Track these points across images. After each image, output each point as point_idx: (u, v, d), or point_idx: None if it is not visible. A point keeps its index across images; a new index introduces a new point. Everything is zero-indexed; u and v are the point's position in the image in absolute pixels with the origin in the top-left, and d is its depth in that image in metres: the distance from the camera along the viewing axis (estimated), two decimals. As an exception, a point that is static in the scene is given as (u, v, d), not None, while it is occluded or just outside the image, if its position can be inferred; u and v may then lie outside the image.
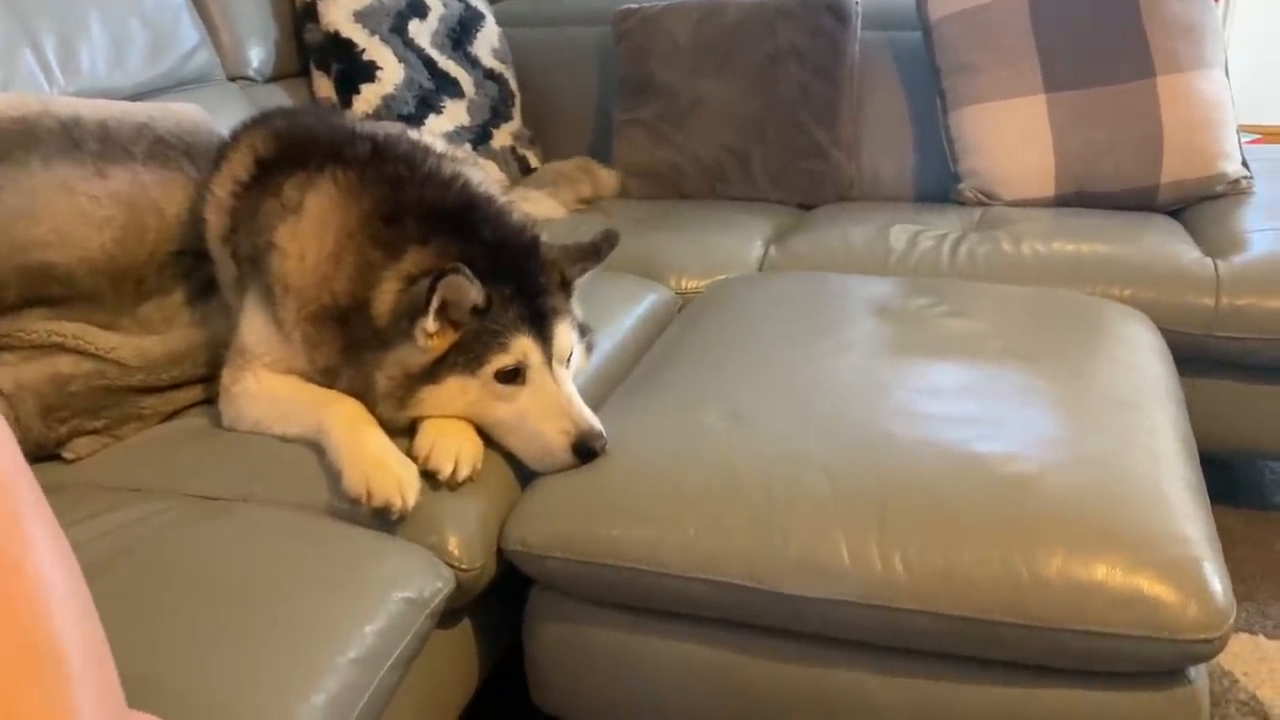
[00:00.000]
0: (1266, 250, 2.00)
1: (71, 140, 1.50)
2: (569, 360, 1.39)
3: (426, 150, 1.52)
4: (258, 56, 2.41)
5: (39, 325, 1.43)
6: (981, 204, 2.40)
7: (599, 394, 1.56)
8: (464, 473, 1.30)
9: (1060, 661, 1.17)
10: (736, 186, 2.60)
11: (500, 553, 1.31)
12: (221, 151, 1.61)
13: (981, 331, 1.66)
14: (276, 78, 2.47)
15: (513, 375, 1.32)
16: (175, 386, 1.55)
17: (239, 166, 1.54)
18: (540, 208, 2.39)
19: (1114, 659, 1.14)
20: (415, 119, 2.44)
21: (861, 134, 2.60)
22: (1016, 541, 1.16)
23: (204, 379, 1.57)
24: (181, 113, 1.71)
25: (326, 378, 1.40)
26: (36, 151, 1.46)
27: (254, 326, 1.46)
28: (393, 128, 1.66)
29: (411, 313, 1.28)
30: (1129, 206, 2.31)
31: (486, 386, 1.32)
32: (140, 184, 1.56)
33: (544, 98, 2.85)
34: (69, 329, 1.45)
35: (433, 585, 1.20)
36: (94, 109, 1.57)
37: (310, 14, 2.46)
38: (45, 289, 1.45)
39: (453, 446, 1.30)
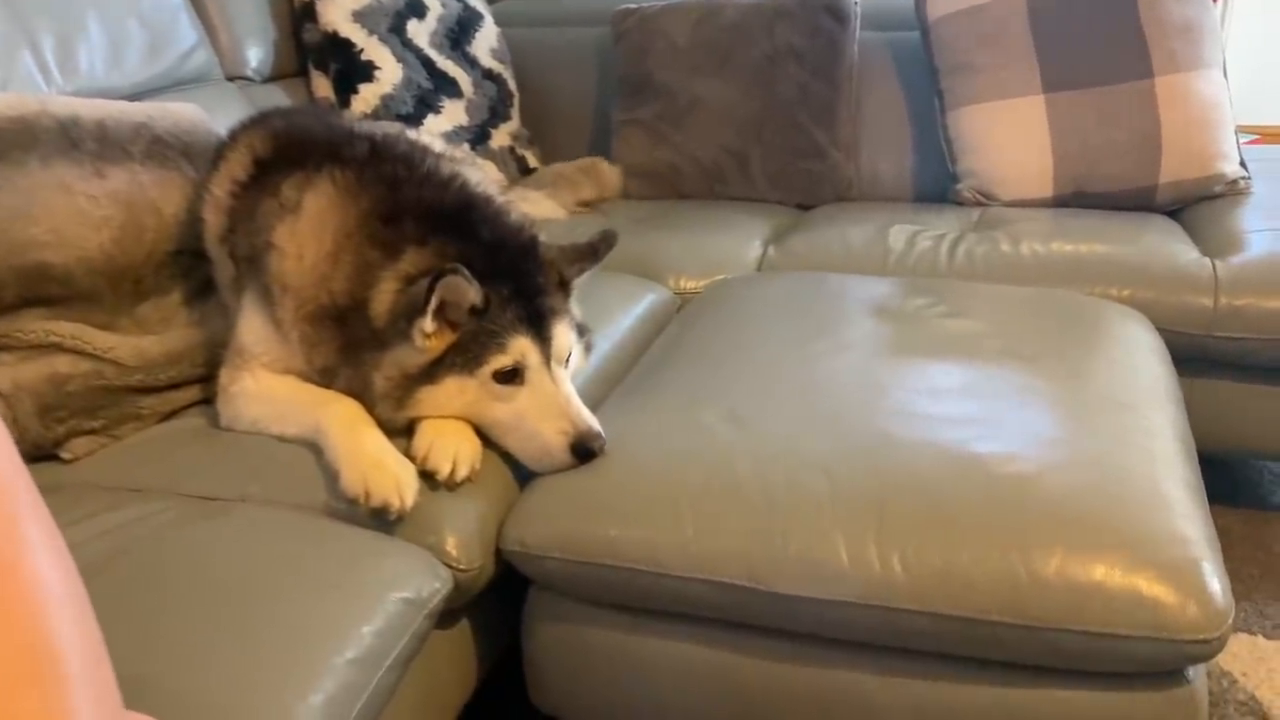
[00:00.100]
0: (1265, 250, 2.00)
1: (69, 140, 1.50)
2: (567, 360, 1.39)
3: (425, 150, 1.52)
4: (256, 56, 2.41)
5: (36, 325, 1.43)
6: (980, 204, 2.40)
7: (597, 394, 1.56)
8: (462, 473, 1.30)
9: (1058, 662, 1.17)
10: (735, 187, 2.60)
11: (498, 553, 1.31)
12: (220, 151, 1.61)
13: (980, 332, 1.66)
14: (275, 77, 2.46)
15: (511, 375, 1.32)
16: (173, 386, 1.55)
17: (237, 166, 1.54)
18: (539, 208, 2.39)
19: (1112, 659, 1.14)
20: (413, 119, 2.44)
21: (860, 134, 2.60)
22: (1015, 542, 1.16)
23: (202, 379, 1.57)
24: (180, 112, 1.70)
25: (324, 378, 1.39)
26: (34, 151, 1.46)
27: (252, 326, 1.46)
28: (391, 128, 1.66)
29: (409, 313, 1.28)
30: (1127, 207, 2.31)
31: (485, 387, 1.31)
32: (138, 184, 1.56)
33: (542, 98, 2.85)
34: (67, 329, 1.45)
35: (431, 585, 1.20)
36: (92, 109, 1.57)
37: (308, 14, 2.45)
38: (43, 289, 1.44)
39: (451, 446, 1.30)
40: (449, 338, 1.31)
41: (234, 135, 1.63)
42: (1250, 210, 2.23)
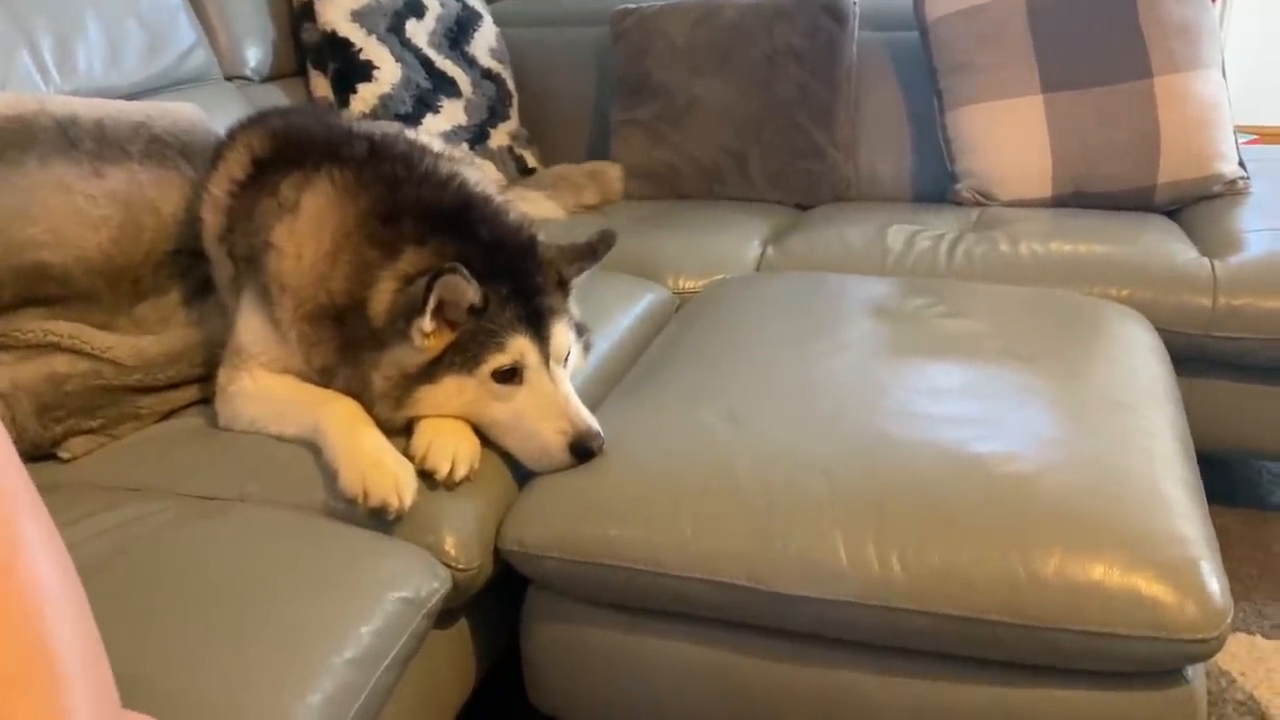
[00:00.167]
0: (1263, 250, 2.00)
1: (68, 139, 1.50)
2: (566, 360, 1.39)
3: (423, 150, 1.52)
4: (255, 56, 2.40)
5: (35, 325, 1.43)
6: (979, 204, 2.40)
7: (596, 394, 1.56)
8: (461, 472, 1.30)
9: (1057, 661, 1.17)
10: (734, 187, 2.60)
11: (497, 552, 1.31)
12: (218, 151, 1.61)
13: (979, 332, 1.66)
14: (273, 77, 2.46)
15: (510, 375, 1.32)
16: (172, 386, 1.55)
17: (236, 166, 1.54)
18: (538, 208, 2.38)
19: (1111, 659, 1.14)
20: (412, 119, 2.44)
21: (859, 134, 2.60)
22: (1014, 541, 1.16)
23: (200, 378, 1.57)
24: (178, 112, 1.70)
25: (323, 377, 1.39)
26: (33, 151, 1.46)
27: (250, 326, 1.45)
28: (390, 127, 1.65)
29: (408, 312, 1.28)
30: (1126, 207, 2.31)
31: (484, 386, 1.31)
32: (137, 183, 1.56)
33: (541, 98, 2.85)
34: (65, 329, 1.45)
35: (429, 585, 1.20)
36: (90, 108, 1.57)
37: (307, 13, 2.45)
38: (41, 289, 1.44)
39: (450, 446, 1.30)
40: (448, 337, 1.30)
41: (232, 135, 1.63)
42: (1249, 210, 2.23)
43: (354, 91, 2.42)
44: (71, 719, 0.64)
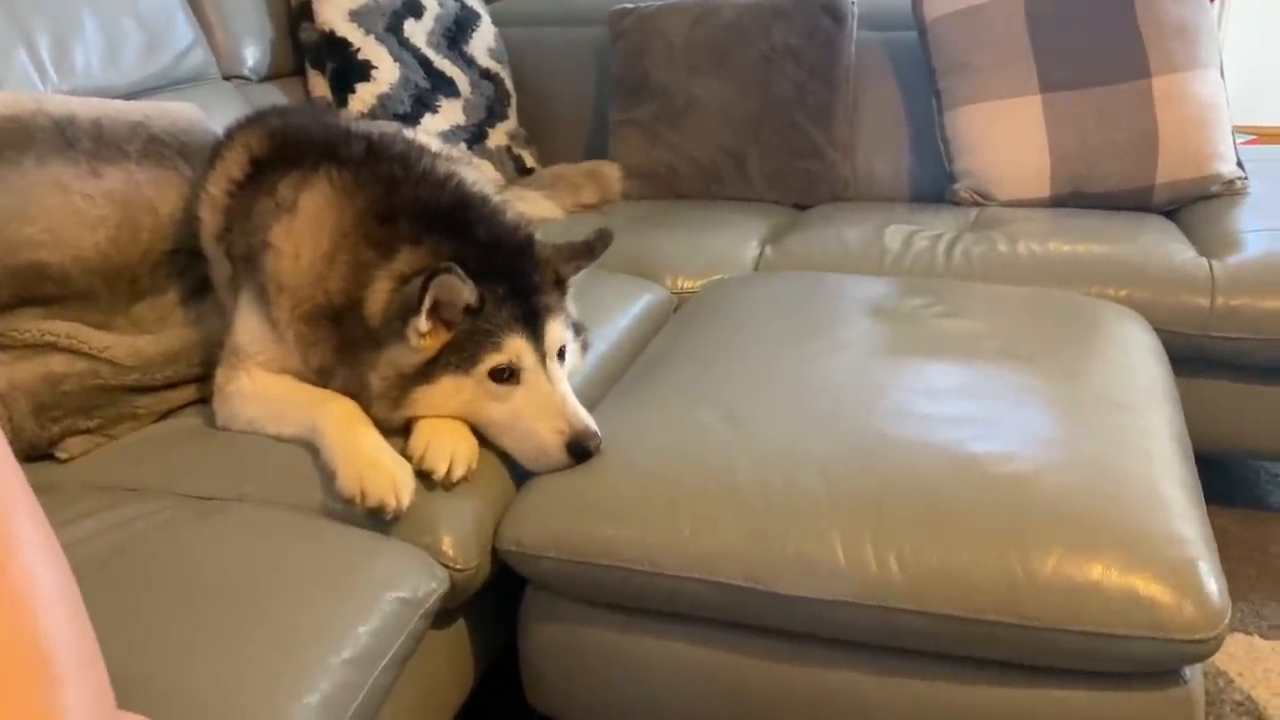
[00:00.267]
0: (1261, 251, 2.00)
1: (65, 139, 1.50)
2: (563, 359, 1.39)
3: (421, 150, 1.52)
4: (253, 55, 2.40)
5: (32, 325, 1.43)
6: (977, 204, 2.40)
7: (594, 394, 1.56)
8: (459, 472, 1.29)
9: (1055, 661, 1.17)
10: (732, 186, 2.60)
11: (495, 553, 1.31)
12: (216, 150, 1.61)
13: (977, 332, 1.66)
14: (271, 77, 2.46)
15: (506, 375, 1.32)
16: (169, 386, 1.55)
17: (233, 165, 1.54)
18: (536, 208, 2.38)
19: (1109, 659, 1.14)
20: (411, 118, 2.44)
21: (857, 134, 2.60)
22: (1012, 541, 1.16)
23: (198, 378, 1.56)
24: (176, 111, 1.70)
25: (321, 377, 1.39)
26: (30, 150, 1.46)
27: (248, 326, 1.45)
28: (388, 127, 1.65)
29: (404, 312, 1.28)
30: (1124, 207, 2.31)
31: (481, 386, 1.31)
32: (135, 183, 1.56)
33: (540, 98, 2.85)
34: (62, 328, 1.44)
35: (427, 585, 1.20)
36: (88, 108, 1.57)
37: (305, 13, 2.45)
38: (39, 288, 1.44)
39: (447, 446, 1.30)
40: (444, 337, 1.30)
41: (230, 134, 1.63)
42: (1247, 210, 2.23)
43: (352, 91, 2.42)
44: (66, 718, 0.64)
